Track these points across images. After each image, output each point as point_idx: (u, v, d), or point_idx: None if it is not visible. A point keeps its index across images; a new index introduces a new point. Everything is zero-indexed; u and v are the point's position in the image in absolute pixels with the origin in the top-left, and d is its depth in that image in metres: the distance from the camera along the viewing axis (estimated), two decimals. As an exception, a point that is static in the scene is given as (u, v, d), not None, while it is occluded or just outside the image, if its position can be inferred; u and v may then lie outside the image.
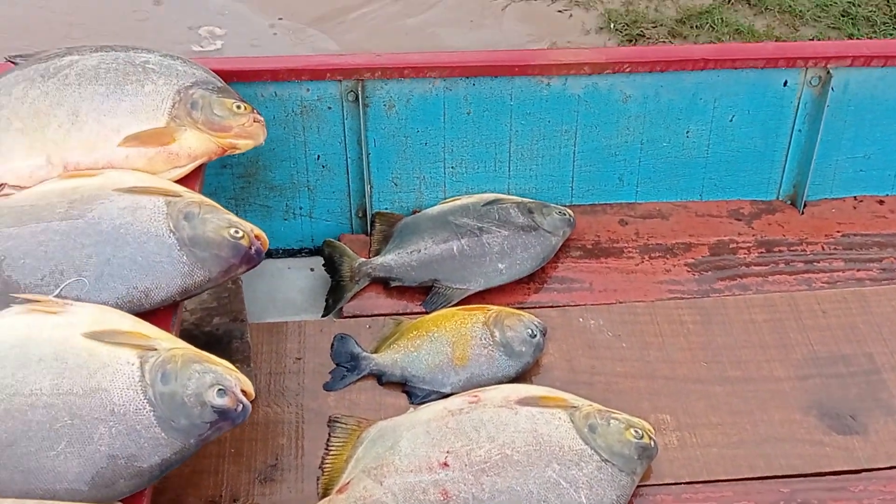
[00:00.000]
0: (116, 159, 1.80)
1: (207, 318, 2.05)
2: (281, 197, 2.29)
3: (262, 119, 1.93)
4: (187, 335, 2.01)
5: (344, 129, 2.22)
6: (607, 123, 2.28)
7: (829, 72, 2.20)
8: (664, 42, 3.11)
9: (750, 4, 3.28)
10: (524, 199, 2.27)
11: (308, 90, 2.17)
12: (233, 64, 2.13)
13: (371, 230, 2.28)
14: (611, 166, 2.34)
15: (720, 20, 3.16)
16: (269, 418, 1.91)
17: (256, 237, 1.70)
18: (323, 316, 2.14)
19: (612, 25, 3.16)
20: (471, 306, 2.04)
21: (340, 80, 2.16)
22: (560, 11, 3.26)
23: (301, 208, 2.31)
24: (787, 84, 2.24)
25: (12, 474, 1.30)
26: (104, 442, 1.33)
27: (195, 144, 1.85)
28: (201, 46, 3.13)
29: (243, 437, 1.85)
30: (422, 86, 2.19)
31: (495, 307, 2.03)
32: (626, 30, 3.14)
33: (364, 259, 2.18)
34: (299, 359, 2.01)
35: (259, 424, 1.88)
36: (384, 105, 2.21)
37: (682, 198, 2.38)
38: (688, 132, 2.30)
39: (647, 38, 3.12)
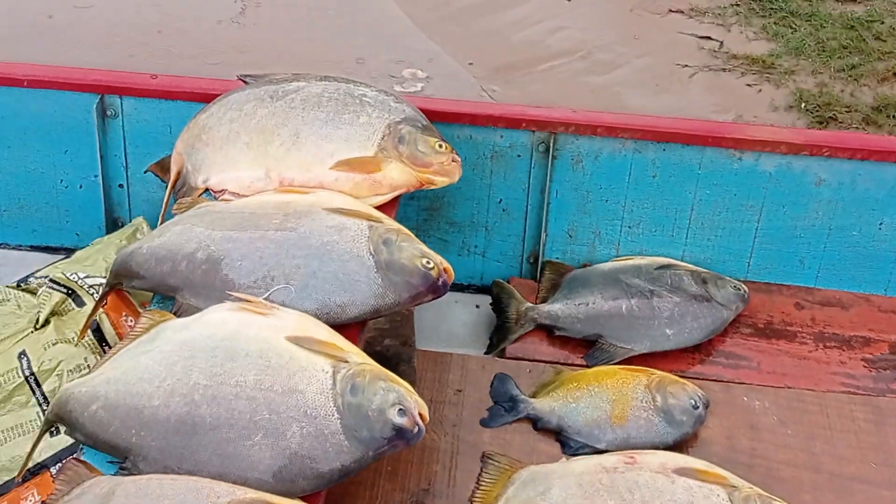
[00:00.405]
0: (327, 181, 1.94)
1: (379, 338, 2.15)
2: (459, 233, 2.39)
3: (459, 159, 2.02)
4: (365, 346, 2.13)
5: (529, 178, 2.29)
6: (796, 204, 2.25)
7: None
8: (857, 129, 3.03)
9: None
10: (698, 269, 2.26)
11: (502, 136, 2.26)
12: (436, 105, 2.25)
13: (540, 277, 2.33)
14: (793, 247, 2.30)
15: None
16: (426, 444, 1.97)
17: (444, 270, 1.78)
18: (486, 353, 2.20)
19: (802, 105, 3.11)
20: (634, 367, 2.05)
21: (534, 131, 2.24)
22: (749, 85, 3.23)
23: (476, 246, 2.40)
24: None
25: (211, 457, 1.42)
26: (294, 440, 1.42)
27: (397, 176, 1.97)
28: (402, 87, 3.30)
29: (400, 457, 1.93)
30: (612, 145, 2.24)
31: (659, 372, 2.02)
32: (817, 111, 3.08)
33: (531, 304, 2.23)
34: (460, 391, 2.08)
35: (416, 448, 1.94)
36: (572, 159, 2.27)
37: (865, 290, 2.30)
38: (881, 224, 2.23)
39: (840, 123, 3.04)
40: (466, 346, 2.25)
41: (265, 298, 1.64)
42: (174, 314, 1.69)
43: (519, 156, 2.27)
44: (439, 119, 2.22)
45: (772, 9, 3.56)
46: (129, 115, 2.33)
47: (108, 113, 2.33)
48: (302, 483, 1.44)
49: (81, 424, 1.51)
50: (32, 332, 2.00)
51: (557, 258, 2.37)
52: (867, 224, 2.24)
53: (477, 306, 2.38)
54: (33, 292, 2.06)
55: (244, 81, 2.17)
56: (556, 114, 2.25)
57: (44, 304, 2.01)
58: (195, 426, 1.43)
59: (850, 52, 3.32)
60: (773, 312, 2.26)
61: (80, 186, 2.41)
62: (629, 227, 2.33)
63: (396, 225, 1.84)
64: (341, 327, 1.68)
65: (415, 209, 2.37)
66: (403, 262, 1.73)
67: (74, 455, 1.53)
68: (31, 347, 1.96)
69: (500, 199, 2.34)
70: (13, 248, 2.49)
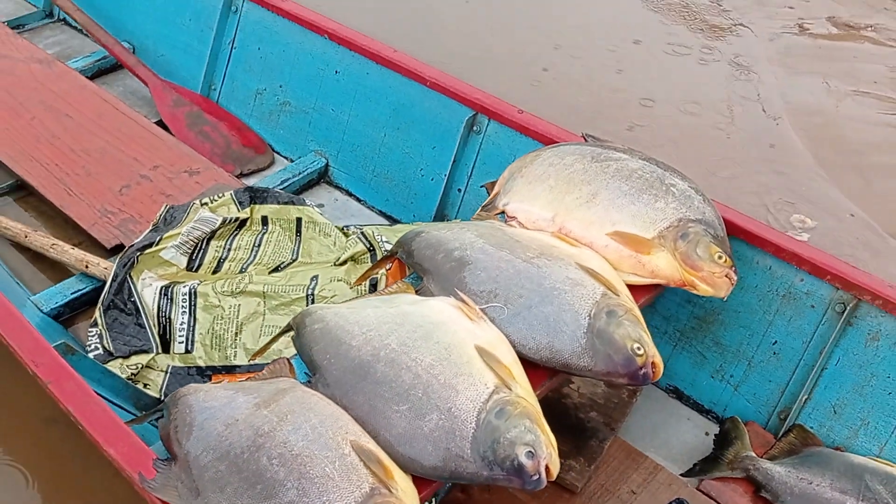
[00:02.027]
0: (598, 243, 2.03)
1: (587, 408, 2.20)
2: (720, 356, 2.30)
3: (734, 278, 1.98)
4: (560, 405, 2.20)
5: (814, 333, 2.13)
6: None
7: None
8: None
9: None
10: (968, 513, 1.90)
11: (802, 280, 2.14)
12: (744, 221, 2.20)
13: (782, 436, 2.15)
14: None
15: None
16: (574, 519, 1.98)
17: (653, 364, 1.78)
18: (682, 474, 2.10)
19: None
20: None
21: (837, 289, 2.08)
22: None
23: (732, 376, 2.29)
24: None
25: (364, 403, 1.63)
26: (429, 426, 1.57)
27: (662, 265, 1.99)
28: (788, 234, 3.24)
29: (543, 515, 1.97)
30: None
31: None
32: None
33: (754, 455, 2.07)
34: (634, 493, 2.03)
35: (563, 517, 1.98)
36: (868, 333, 2.06)
37: None
38: None
39: None
40: (670, 461, 2.17)
41: (481, 308, 1.82)
42: (416, 291, 1.95)
43: (812, 307, 2.12)
44: (745, 238, 2.19)
45: None
46: (489, 136, 2.67)
47: (475, 128, 2.69)
48: (416, 465, 1.58)
49: (302, 335, 1.83)
50: (332, 265, 2.43)
51: (811, 427, 2.16)
52: None
53: (706, 434, 2.27)
54: (347, 236, 2.49)
55: (584, 139, 2.37)
56: (867, 280, 2.05)
57: (349, 248, 2.43)
58: (366, 374, 1.66)
59: None
60: None
61: (432, 179, 2.81)
62: (905, 432, 2.04)
63: (632, 305, 1.87)
64: (532, 365, 1.79)
65: (687, 314, 2.34)
66: (615, 336, 1.76)
67: (288, 357, 1.86)
68: (323, 275, 2.38)
69: (776, 342, 2.20)
70: (366, 206, 2.99)
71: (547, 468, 1.58)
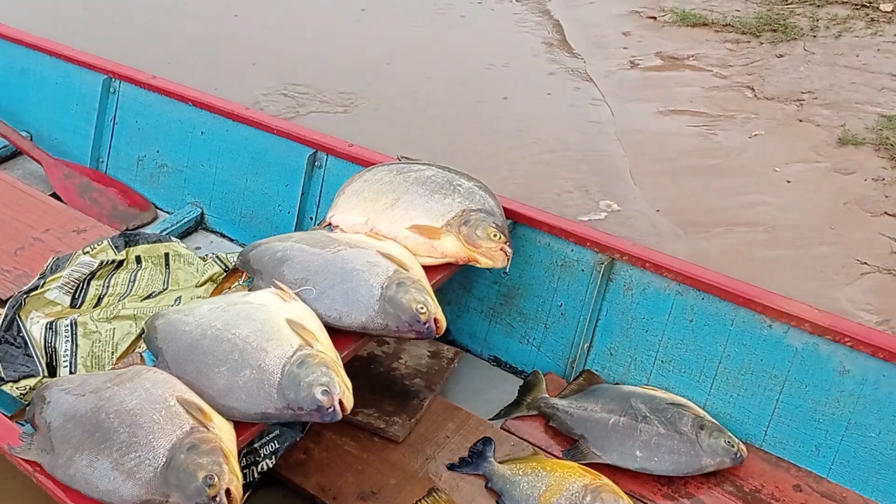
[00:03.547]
0: (400, 236, 2.50)
1: (411, 375, 2.63)
2: (524, 324, 2.76)
3: (509, 251, 2.45)
4: (389, 376, 2.61)
5: (586, 292, 2.60)
6: (818, 388, 2.25)
7: None
8: None
9: None
10: (707, 417, 2.35)
11: (572, 251, 2.62)
12: (525, 210, 2.69)
13: (573, 380, 2.59)
14: (810, 431, 2.27)
15: None
16: (397, 460, 2.38)
17: (436, 320, 2.22)
18: (489, 419, 2.53)
19: (964, 328, 2.88)
20: (592, 470, 2.23)
21: (596, 252, 2.56)
22: (921, 297, 3.08)
23: (534, 339, 2.74)
24: None
25: (193, 371, 2.03)
26: (242, 380, 1.98)
27: (449, 247, 2.46)
28: (588, 213, 3.77)
29: (373, 462, 2.36)
30: (659, 282, 2.47)
31: (608, 481, 2.19)
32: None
33: (547, 396, 2.51)
34: (448, 437, 2.44)
35: (389, 461, 2.37)
36: (624, 284, 2.54)
37: (878, 498, 2.18)
38: (902, 434, 2.13)
39: None
40: (486, 414, 2.59)
41: (295, 292, 2.25)
42: (248, 289, 2.38)
43: (582, 270, 2.61)
44: (527, 223, 2.68)
45: None
46: (329, 169, 3.14)
47: (317, 164, 3.16)
48: (235, 412, 1.98)
49: (149, 332, 2.24)
50: (193, 287, 2.84)
51: (597, 370, 2.61)
52: (888, 430, 2.15)
53: (518, 389, 2.71)
54: (205, 261, 2.92)
55: (399, 159, 2.86)
56: (616, 242, 2.55)
57: (206, 271, 2.86)
58: (195, 349, 2.07)
59: None
60: (767, 484, 2.25)
61: (288, 212, 3.26)
62: (662, 361, 2.50)
63: (421, 276, 2.33)
64: (341, 333, 2.21)
65: (495, 293, 2.80)
66: (402, 300, 2.21)
67: (139, 351, 2.25)
68: (185, 295, 2.79)
69: (561, 304, 2.67)
70: (237, 244, 3.42)
71: (341, 403, 1.99)
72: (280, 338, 2.06)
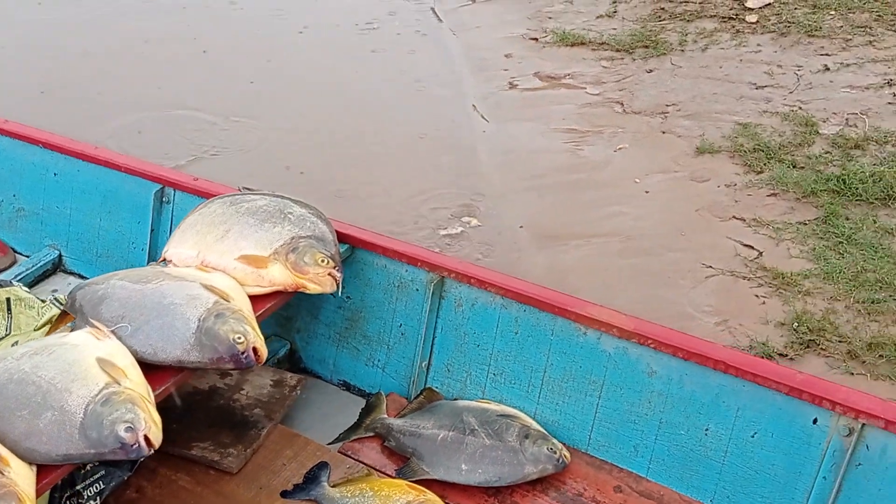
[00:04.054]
0: (229, 267, 2.52)
1: (251, 406, 2.63)
2: (368, 346, 2.79)
3: (338, 276, 2.49)
4: (229, 407, 2.61)
5: (423, 311, 2.65)
6: (631, 390, 2.33)
7: (863, 426, 1.97)
8: (839, 360, 2.84)
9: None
10: (535, 426, 2.41)
11: (406, 271, 2.67)
12: (362, 234, 2.74)
13: (414, 398, 2.63)
14: (628, 432, 2.35)
15: (912, 357, 2.79)
16: (234, 492, 2.37)
17: (254, 349, 2.23)
18: (328, 443, 2.54)
19: (795, 325, 3.00)
20: (418, 487, 2.26)
21: (428, 271, 2.62)
22: (758, 296, 3.19)
23: (379, 360, 2.77)
24: (818, 423, 2.04)
25: (-1, 413, 2.02)
26: (45, 422, 1.96)
27: (277, 275, 2.49)
28: (447, 229, 3.84)
29: (208, 492, 2.36)
30: (485, 297, 2.53)
31: (433, 496, 2.22)
32: (806, 335, 2.96)
33: (385, 416, 2.54)
34: (285, 465, 2.45)
35: (226, 494, 2.37)
36: (455, 301, 2.60)
37: (692, 494, 2.26)
38: (707, 430, 2.22)
39: (821, 350, 2.87)
40: (332, 437, 2.60)
41: (112, 330, 2.24)
42: (70, 330, 2.36)
43: (417, 290, 2.65)
44: (364, 246, 2.72)
45: (833, 233, 3.47)
46: (177, 203, 3.14)
47: (165, 199, 3.16)
48: (35, 454, 1.96)
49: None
50: (32, 331, 2.81)
51: (437, 387, 2.66)
52: (694, 427, 2.23)
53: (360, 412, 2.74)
54: (44, 303, 2.89)
55: (240, 190, 2.88)
56: (445, 260, 2.61)
57: (45, 313, 2.83)
58: (1, 392, 2.05)
59: (883, 288, 3.11)
60: (590, 487, 2.31)
61: (142, 249, 3.25)
62: (494, 374, 2.56)
63: (244, 307, 2.34)
64: (156, 367, 2.21)
65: (341, 318, 2.83)
66: (219, 331, 2.22)
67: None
68: (22, 340, 2.75)
69: (401, 324, 2.71)
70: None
71: (147, 438, 1.98)
72: (86, 377, 2.05)
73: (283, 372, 2.76)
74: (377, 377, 2.78)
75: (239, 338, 2.23)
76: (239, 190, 2.88)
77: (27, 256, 3.55)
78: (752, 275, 3.32)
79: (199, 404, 2.63)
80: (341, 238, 2.72)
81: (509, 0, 6.86)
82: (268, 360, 2.87)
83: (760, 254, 3.44)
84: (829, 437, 2.03)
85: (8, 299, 2.95)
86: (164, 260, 2.67)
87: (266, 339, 2.93)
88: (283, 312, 2.94)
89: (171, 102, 5.21)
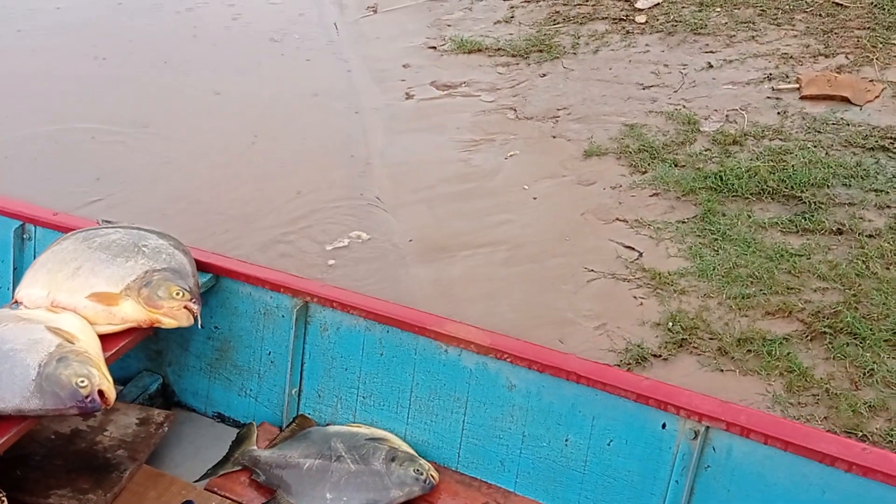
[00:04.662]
0: (80, 306, 2.43)
1: (114, 448, 2.54)
2: (240, 376, 2.73)
3: (194, 308, 2.42)
4: (91, 451, 2.53)
5: (290, 336, 2.60)
6: (494, 405, 2.32)
7: (707, 429, 2.00)
8: (709, 357, 2.90)
9: (829, 346, 2.91)
10: (405, 447, 2.39)
11: (271, 297, 2.62)
12: (225, 262, 2.68)
13: (286, 427, 2.58)
14: (493, 447, 2.34)
15: (776, 352, 2.85)
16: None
17: (100, 392, 2.16)
18: (195, 481, 2.48)
19: (669, 325, 3.05)
20: (279, 520, 2.22)
21: (292, 297, 2.57)
22: (636, 297, 3.23)
23: (251, 390, 2.71)
24: (666, 428, 2.07)
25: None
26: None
27: (130, 312, 2.41)
28: (334, 244, 3.81)
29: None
30: (349, 320, 2.50)
31: (293, 529, 2.18)
32: (679, 334, 3.00)
33: (254, 448, 2.49)
34: (148, 506, 2.38)
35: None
36: (320, 326, 2.55)
37: (558, 504, 2.26)
38: (567, 440, 2.22)
39: (693, 348, 2.93)
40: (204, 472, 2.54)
41: (-54, 381, 2.14)
42: None
43: (283, 316, 2.61)
44: (227, 275, 2.66)
45: (709, 230, 3.53)
46: (40, 240, 3.03)
47: (26, 236, 3.05)
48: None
49: None
50: None
51: (309, 414, 2.61)
52: (555, 438, 2.24)
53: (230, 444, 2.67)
54: None
55: (99, 223, 2.79)
56: (307, 285, 2.57)
57: None
58: None
59: (754, 282, 3.19)
60: (458, 505, 2.30)
61: (7, 289, 3.12)
62: (363, 396, 2.52)
63: (90, 349, 2.25)
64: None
65: (211, 348, 2.77)
66: (61, 376, 2.13)
67: None
68: None
69: (270, 352, 2.66)
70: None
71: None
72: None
73: (150, 409, 2.68)
74: (251, 407, 2.72)
75: (82, 381, 2.14)
76: (98, 223, 2.79)
77: None
78: (631, 276, 3.36)
79: (59, 450, 2.53)
80: (203, 267, 2.65)
81: (410, 9, 6.87)
82: (139, 395, 2.82)
83: (641, 255, 3.48)
84: (677, 442, 2.05)
85: None
86: (16, 302, 2.57)
87: (136, 374, 2.92)
88: (154, 346, 2.86)
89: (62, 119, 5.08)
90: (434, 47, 6.09)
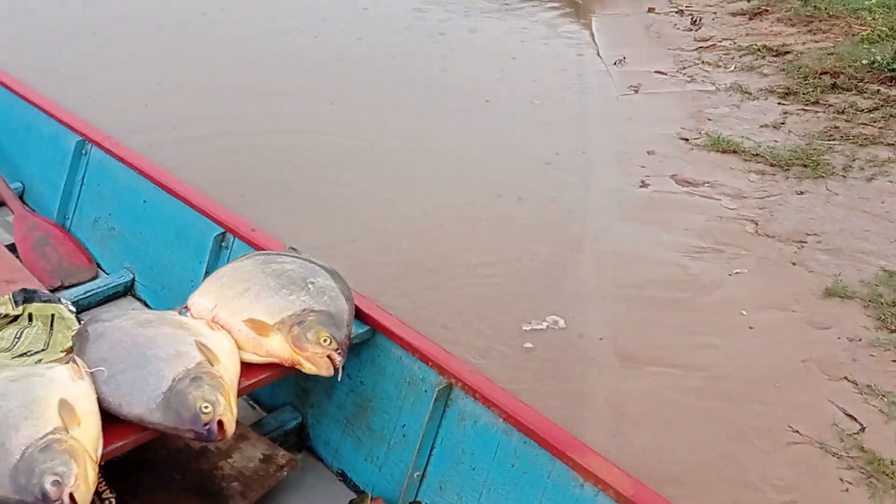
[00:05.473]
0: (235, 328, 2.41)
1: (234, 477, 2.48)
2: (371, 440, 2.57)
3: (337, 360, 2.31)
4: (210, 474, 2.48)
5: (427, 416, 2.39)
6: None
7: None
8: None
9: None
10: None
11: (419, 368, 2.45)
12: (384, 318, 2.53)
13: (398, 511, 2.37)
14: None
15: None
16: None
17: (220, 423, 2.09)
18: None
19: None
20: None
21: (438, 374, 2.37)
22: (841, 480, 2.65)
23: (377, 458, 2.55)
24: None
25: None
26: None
27: (276, 347, 2.35)
28: (532, 325, 3.58)
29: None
30: (488, 416, 2.27)
31: None
32: None
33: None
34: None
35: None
36: (459, 413, 2.35)
37: None
38: None
39: None
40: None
41: (91, 371, 2.18)
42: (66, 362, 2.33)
43: (425, 391, 2.42)
44: (384, 332, 2.55)
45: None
46: (234, 251, 3.10)
47: (224, 244, 3.14)
48: None
49: None
50: (58, 352, 2.83)
51: (426, 503, 2.39)
52: None
53: (350, 507, 2.52)
54: (78, 327, 2.92)
55: (286, 249, 2.79)
56: (455, 365, 2.35)
57: (75, 336, 2.85)
58: None
59: None
60: None
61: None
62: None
63: (225, 376, 2.20)
64: (120, 421, 2.12)
65: (351, 402, 2.64)
66: (188, 396, 2.10)
67: None
68: (46, 359, 2.78)
69: (404, 424, 2.48)
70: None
71: (72, 496, 1.87)
72: (39, 418, 1.99)
73: (277, 448, 2.59)
74: (373, 476, 2.56)
75: (207, 407, 2.09)
76: (286, 248, 2.80)
77: (107, 274, 3.67)
78: (844, 452, 2.80)
79: (182, 463, 2.52)
80: (362, 317, 2.55)
81: (673, 95, 6.56)
82: (275, 428, 2.76)
83: (863, 429, 2.91)
84: None
85: (52, 315, 3.02)
86: (186, 307, 2.62)
87: (281, 406, 2.87)
88: (302, 383, 2.80)
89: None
90: (686, 139, 5.73)
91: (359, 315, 2.55)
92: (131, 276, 3.55)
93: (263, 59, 6.66)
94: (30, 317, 3.04)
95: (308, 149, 5.31)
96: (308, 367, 2.32)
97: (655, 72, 6.99)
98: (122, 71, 6.33)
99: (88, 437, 2.02)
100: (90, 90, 5.80)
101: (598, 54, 7.37)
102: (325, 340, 2.33)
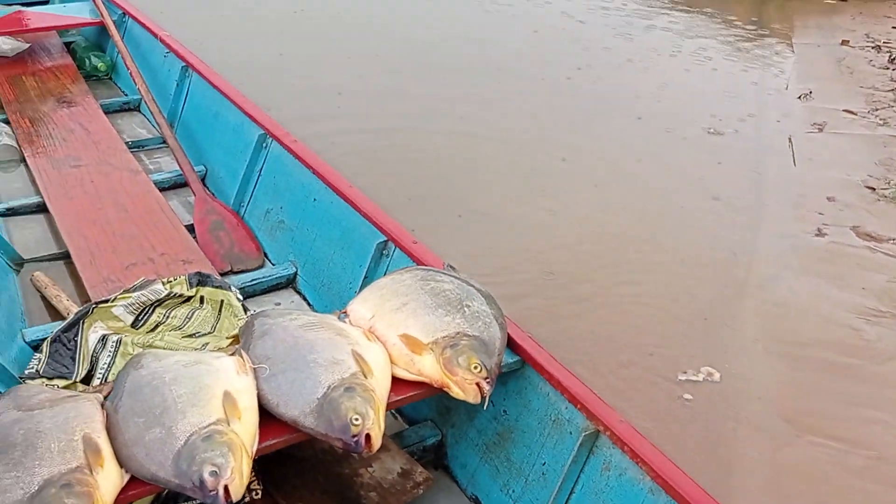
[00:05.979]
0: (390, 341, 2.43)
1: (373, 486, 2.52)
2: (508, 471, 2.53)
3: (486, 388, 2.30)
4: (351, 481, 2.53)
5: (569, 459, 2.34)
6: None
7: None
8: None
9: None
10: None
11: (566, 408, 2.39)
12: (535, 351, 2.50)
13: (529, 550, 2.33)
14: None
15: None
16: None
17: (368, 436, 2.12)
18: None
19: None
20: None
21: (586, 418, 2.31)
22: None
23: (513, 492, 2.51)
24: None
25: (123, 412, 2.11)
26: (151, 436, 2.00)
27: (427, 366, 2.36)
28: (686, 375, 3.44)
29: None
30: (634, 471, 2.17)
31: None
32: None
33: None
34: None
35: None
36: (603, 462, 2.26)
37: None
38: None
39: None
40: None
41: (254, 367, 2.27)
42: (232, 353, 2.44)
43: (570, 433, 2.36)
44: (533, 365, 2.51)
45: None
46: (394, 259, 3.16)
47: (385, 252, 3.20)
48: (132, 464, 2.03)
49: (125, 366, 2.36)
50: (224, 338, 2.98)
51: (557, 549, 2.34)
52: None
53: (475, 543, 2.50)
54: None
55: (443, 267, 2.82)
56: (605, 412, 2.27)
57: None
58: (135, 392, 2.14)
59: None
60: None
61: (355, 292, 3.31)
62: (617, 563, 2.17)
63: (377, 388, 2.24)
64: (276, 420, 2.19)
65: (493, 430, 2.62)
66: (341, 405, 2.14)
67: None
68: (212, 344, 2.93)
69: (545, 463, 2.43)
70: (313, 310, 3.53)
71: (227, 489, 1.96)
72: (205, 406, 2.09)
73: (416, 464, 2.62)
74: (507, 509, 2.54)
75: (356, 419, 2.13)
76: (443, 265, 2.82)
77: (273, 265, 3.84)
78: None
79: (326, 466, 2.58)
80: (514, 347, 2.53)
81: (861, 138, 6.15)
82: (415, 443, 2.79)
83: None
84: None
85: (222, 301, 3.18)
86: (345, 312, 2.68)
87: (423, 420, 2.90)
88: (445, 401, 2.81)
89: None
90: (873, 188, 5.34)
91: (510, 344, 2.54)
92: (294, 269, 3.70)
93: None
94: (201, 299, 3.22)
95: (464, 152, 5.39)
96: (456, 392, 2.32)
97: (844, 110, 6.58)
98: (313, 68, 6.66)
99: (247, 432, 2.10)
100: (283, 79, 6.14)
101: (784, 86, 7.01)
102: (475, 367, 2.32)
